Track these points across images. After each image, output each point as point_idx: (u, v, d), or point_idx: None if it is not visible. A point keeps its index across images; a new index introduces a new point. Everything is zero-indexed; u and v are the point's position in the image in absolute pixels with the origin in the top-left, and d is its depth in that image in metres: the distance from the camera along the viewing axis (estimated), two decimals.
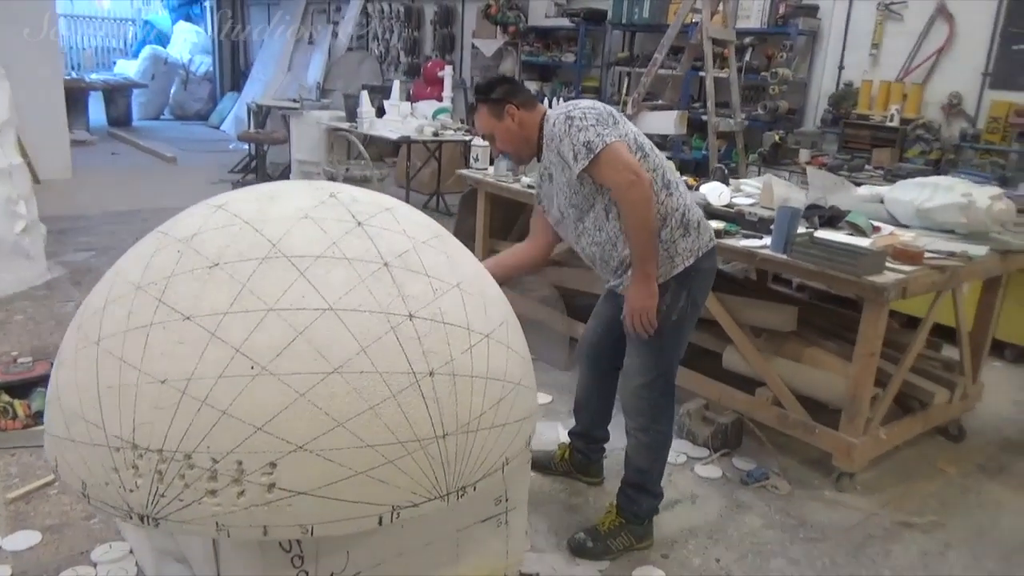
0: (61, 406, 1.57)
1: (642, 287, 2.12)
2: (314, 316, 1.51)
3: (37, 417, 2.83)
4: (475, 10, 8.28)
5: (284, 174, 7.81)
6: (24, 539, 2.19)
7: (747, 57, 5.76)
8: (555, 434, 3.04)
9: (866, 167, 4.88)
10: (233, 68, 13.48)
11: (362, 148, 4.40)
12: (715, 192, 3.14)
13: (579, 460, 2.74)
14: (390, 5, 9.69)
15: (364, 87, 7.83)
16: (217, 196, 1.84)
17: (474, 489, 1.66)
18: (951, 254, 2.70)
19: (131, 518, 1.48)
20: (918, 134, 4.99)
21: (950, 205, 2.89)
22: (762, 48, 5.81)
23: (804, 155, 5.19)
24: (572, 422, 2.77)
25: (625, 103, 6.67)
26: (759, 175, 4.80)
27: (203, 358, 1.45)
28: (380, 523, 1.52)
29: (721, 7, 5.00)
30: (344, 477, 1.46)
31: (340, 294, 1.55)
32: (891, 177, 4.51)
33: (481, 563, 2.02)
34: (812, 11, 5.51)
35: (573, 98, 7.32)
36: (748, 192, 3.24)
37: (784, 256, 2.67)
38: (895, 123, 5.07)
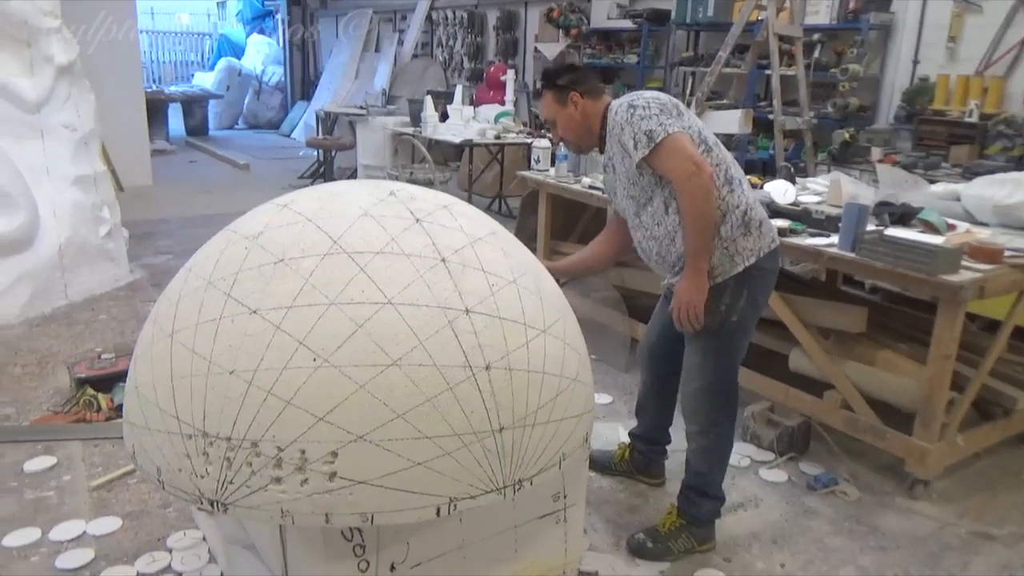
0: (139, 396, 1.65)
1: (692, 281, 2.09)
2: (373, 310, 1.55)
3: (119, 410, 2.97)
4: (538, 14, 8.31)
5: (350, 179, 8.01)
6: (106, 525, 2.31)
7: (816, 54, 5.61)
8: (615, 435, 3.02)
9: (942, 165, 4.69)
10: (303, 78, 13.88)
11: (425, 151, 4.48)
12: (780, 190, 3.07)
13: (639, 461, 2.71)
14: (454, 12, 9.81)
15: (428, 92, 7.98)
16: (282, 196, 1.90)
17: (530, 483, 1.67)
18: None
19: (202, 503, 1.54)
20: (999, 130, 4.76)
21: None
22: (831, 44, 5.65)
23: (876, 153, 5.02)
24: (632, 423, 2.75)
25: (689, 103, 6.60)
26: (828, 174, 4.67)
27: (268, 350, 1.51)
28: (438, 514, 1.54)
29: (788, 3, 4.88)
30: (403, 468, 1.49)
31: (399, 288, 1.58)
32: (969, 175, 4.31)
33: (540, 559, 2.03)
34: (885, 5, 5.33)
35: None
36: (815, 190, 3.15)
37: (852, 254, 2.59)
38: (974, 119, 4.86)
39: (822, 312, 2.93)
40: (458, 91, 6.34)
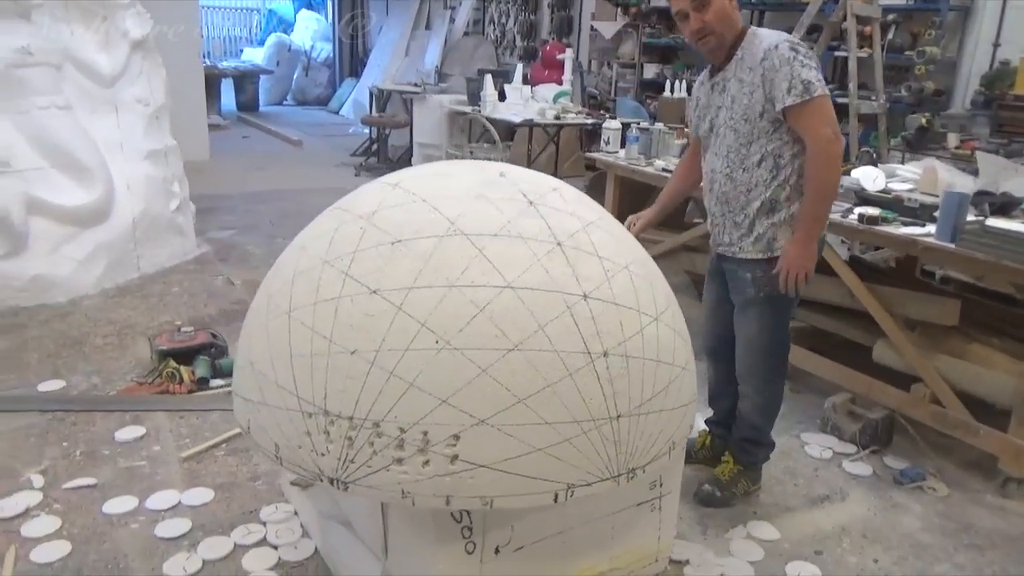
0: (254, 371, 1.67)
1: (807, 247, 2.16)
2: (494, 293, 1.53)
3: (200, 382, 3.03)
4: None
5: (405, 157, 8.01)
6: (199, 496, 2.35)
7: (890, 35, 5.43)
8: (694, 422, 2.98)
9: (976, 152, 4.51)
10: (352, 54, 13.89)
11: (492, 130, 4.44)
12: (869, 177, 2.98)
13: (719, 447, 2.68)
14: None
15: (481, 71, 7.92)
16: (389, 175, 1.89)
17: (643, 472, 1.66)
18: None
19: (321, 480, 1.55)
20: None
21: None
22: (906, 25, 5.46)
23: (952, 139, 4.85)
24: (708, 411, 2.72)
25: None
26: (902, 160, 4.53)
27: (390, 331, 1.50)
28: (555, 500, 1.53)
29: None
30: (523, 453, 1.49)
31: (518, 272, 1.56)
32: None
33: (634, 547, 2.02)
34: None
35: (695, 82, 7.12)
36: (904, 177, 3.06)
37: (951, 245, 2.51)
38: None
39: (912, 304, 2.86)
40: (517, 70, 6.28)
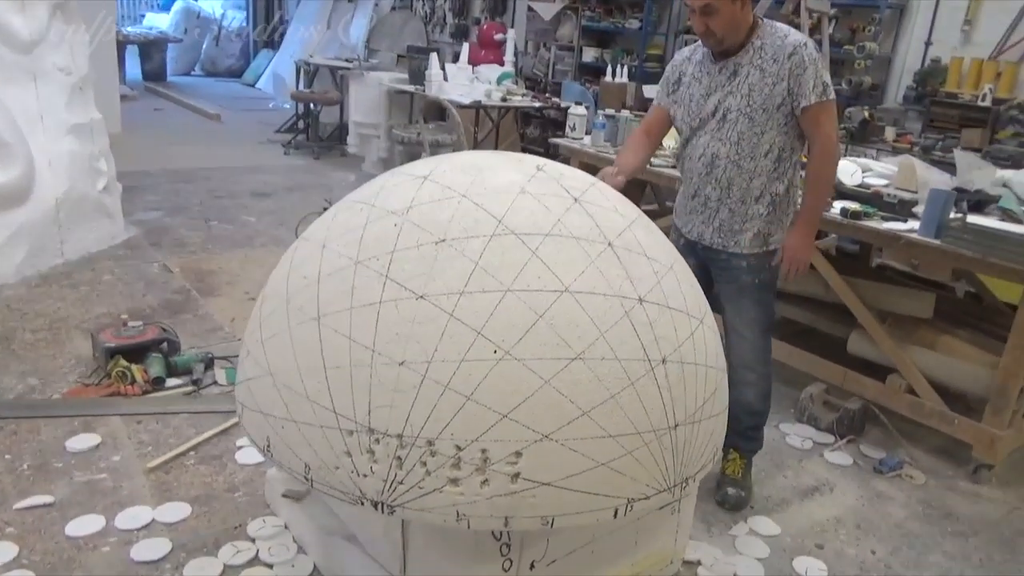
0: (276, 384, 1.50)
1: (808, 239, 2.27)
2: (552, 298, 1.43)
3: (155, 383, 2.78)
4: None
5: (336, 135, 7.69)
6: (175, 511, 2.14)
7: (830, 29, 5.57)
8: None
9: (955, 148, 4.73)
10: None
11: (455, 114, 4.27)
12: (847, 172, 3.02)
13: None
14: None
15: (411, 48, 7.65)
16: (411, 165, 1.75)
17: (695, 481, 1.60)
18: None
19: (363, 503, 1.41)
20: (1012, 115, 4.81)
21: None
22: (845, 20, 5.62)
23: (890, 133, 5.04)
24: None
25: None
26: (846, 152, 4.66)
27: (443, 340, 1.38)
28: (615, 515, 1.46)
29: None
30: (587, 468, 1.40)
31: (574, 275, 1.46)
32: (990, 159, 4.36)
33: (655, 551, 1.97)
34: None
35: (637, 67, 7.14)
36: (879, 172, 3.12)
37: (936, 241, 2.58)
38: (987, 103, 4.91)
39: (890, 297, 2.93)
40: (464, 49, 6.08)
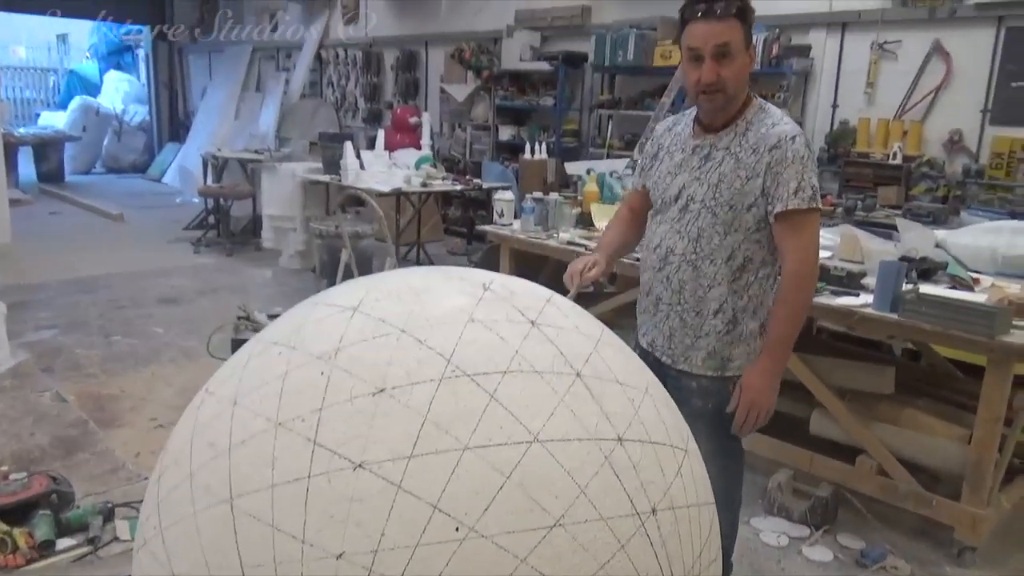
0: None
1: (772, 378, 1.85)
2: (519, 452, 1.18)
3: (42, 548, 2.36)
4: (441, 54, 8.05)
5: (249, 229, 7.35)
6: None
7: None
8: None
9: (878, 207, 4.81)
10: (171, 117, 12.87)
11: (376, 205, 4.05)
12: None
13: None
14: (346, 51, 9.37)
15: (323, 135, 7.46)
16: (331, 294, 1.49)
17: None
18: None
19: None
20: (923, 171, 4.97)
21: None
22: (756, 88, 5.74)
23: None
24: None
25: (611, 146, 6.55)
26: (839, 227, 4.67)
27: (391, 521, 1.11)
28: None
29: None
30: None
31: (542, 420, 1.23)
32: (911, 217, 4.44)
33: None
34: (804, 51, 5.49)
35: (555, 143, 7.11)
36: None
37: (893, 316, 2.48)
38: (898, 160, 5.05)
39: (848, 373, 2.81)
40: (380, 136, 5.92)
